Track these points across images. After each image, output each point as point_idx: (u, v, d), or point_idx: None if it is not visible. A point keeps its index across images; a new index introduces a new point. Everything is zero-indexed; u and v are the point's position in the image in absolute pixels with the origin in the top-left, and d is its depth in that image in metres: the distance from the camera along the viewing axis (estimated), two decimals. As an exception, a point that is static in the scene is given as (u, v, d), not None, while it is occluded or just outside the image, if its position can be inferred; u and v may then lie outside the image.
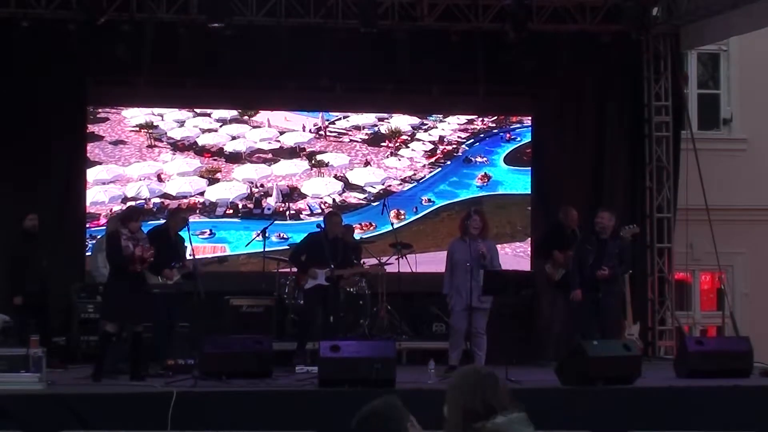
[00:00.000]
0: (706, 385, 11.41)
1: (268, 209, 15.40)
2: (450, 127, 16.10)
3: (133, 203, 14.66)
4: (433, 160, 15.99)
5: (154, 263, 12.10)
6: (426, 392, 11.11)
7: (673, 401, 11.05)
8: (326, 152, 15.69)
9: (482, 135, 16.12)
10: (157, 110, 15.25)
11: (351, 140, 15.80)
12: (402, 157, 15.91)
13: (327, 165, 15.66)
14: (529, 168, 15.99)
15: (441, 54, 14.97)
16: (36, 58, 14.27)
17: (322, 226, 13.16)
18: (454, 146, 16.03)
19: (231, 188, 15.44)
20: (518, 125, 16.10)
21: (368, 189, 15.76)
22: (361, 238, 15.07)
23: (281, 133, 15.61)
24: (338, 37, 14.51)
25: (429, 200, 15.92)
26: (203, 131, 15.42)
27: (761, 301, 16.49)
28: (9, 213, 13.94)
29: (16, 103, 14.32)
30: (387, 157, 15.85)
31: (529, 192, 15.94)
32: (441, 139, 16.01)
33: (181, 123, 15.36)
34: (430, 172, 15.94)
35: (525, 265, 15.30)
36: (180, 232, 12.70)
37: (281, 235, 15.24)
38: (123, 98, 15.09)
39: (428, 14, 14.95)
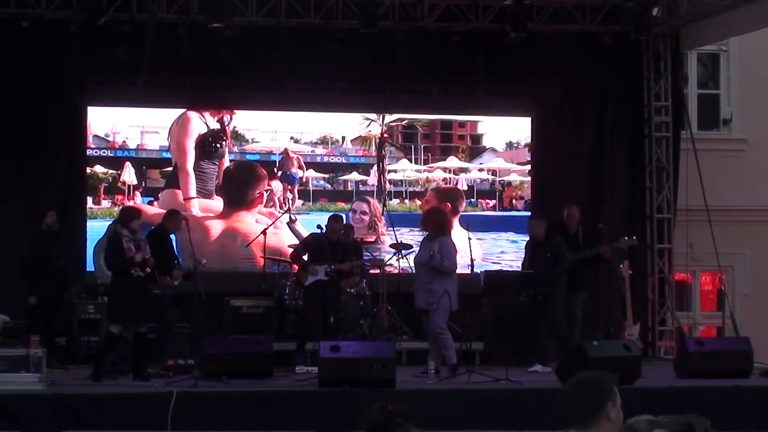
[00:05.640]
0: (706, 386, 11.41)
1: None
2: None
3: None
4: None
5: (162, 265, 12.13)
6: (426, 392, 11.16)
7: (673, 402, 11.04)
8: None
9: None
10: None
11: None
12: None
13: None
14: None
15: (441, 54, 14.97)
16: (36, 58, 14.27)
17: (323, 227, 13.18)
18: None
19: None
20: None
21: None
22: (361, 238, 15.08)
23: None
24: (338, 37, 14.51)
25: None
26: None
27: (761, 301, 16.47)
28: (9, 213, 13.98)
29: (17, 102, 14.31)
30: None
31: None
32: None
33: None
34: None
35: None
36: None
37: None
38: (123, 99, 15.08)
39: (428, 14, 14.95)
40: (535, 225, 13.48)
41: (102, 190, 15.37)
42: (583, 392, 4.40)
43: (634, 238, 14.01)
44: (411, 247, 14.94)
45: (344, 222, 13.79)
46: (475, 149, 16.98)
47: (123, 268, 11.54)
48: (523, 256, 13.78)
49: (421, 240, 13.07)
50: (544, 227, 13.35)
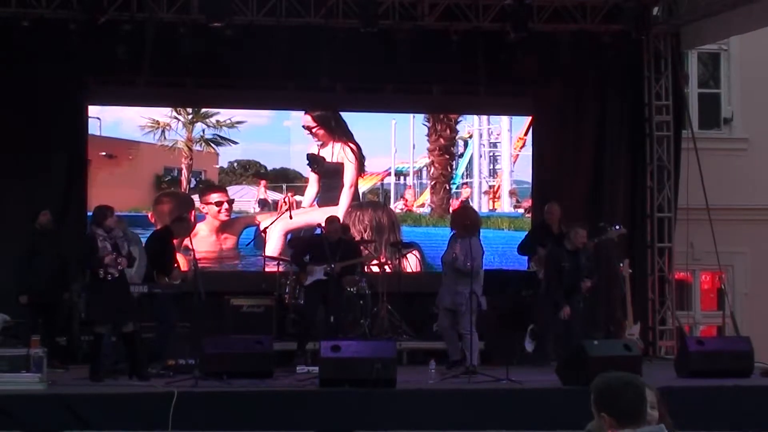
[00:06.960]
0: (707, 385, 11.41)
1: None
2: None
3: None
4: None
5: (163, 266, 12.09)
6: (426, 392, 11.16)
7: (673, 401, 11.03)
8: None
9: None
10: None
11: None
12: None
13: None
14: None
15: (441, 54, 14.94)
16: (36, 58, 14.26)
17: (322, 228, 13.19)
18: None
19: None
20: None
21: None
22: (361, 238, 15.08)
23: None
24: (338, 37, 14.49)
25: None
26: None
27: (761, 301, 16.48)
28: (9, 213, 13.97)
29: (17, 102, 14.32)
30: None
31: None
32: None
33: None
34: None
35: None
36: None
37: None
38: (123, 98, 15.09)
39: (428, 14, 14.94)
40: (584, 235, 13.34)
41: None
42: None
43: (619, 227, 13.95)
44: (411, 246, 14.95)
45: (340, 222, 13.76)
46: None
47: (94, 268, 11.47)
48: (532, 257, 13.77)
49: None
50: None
